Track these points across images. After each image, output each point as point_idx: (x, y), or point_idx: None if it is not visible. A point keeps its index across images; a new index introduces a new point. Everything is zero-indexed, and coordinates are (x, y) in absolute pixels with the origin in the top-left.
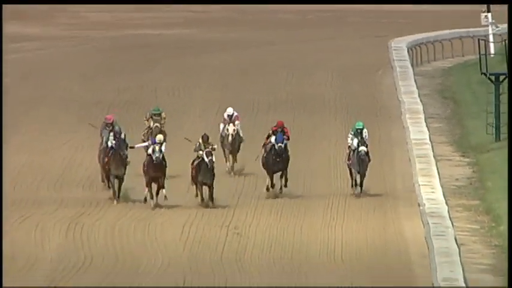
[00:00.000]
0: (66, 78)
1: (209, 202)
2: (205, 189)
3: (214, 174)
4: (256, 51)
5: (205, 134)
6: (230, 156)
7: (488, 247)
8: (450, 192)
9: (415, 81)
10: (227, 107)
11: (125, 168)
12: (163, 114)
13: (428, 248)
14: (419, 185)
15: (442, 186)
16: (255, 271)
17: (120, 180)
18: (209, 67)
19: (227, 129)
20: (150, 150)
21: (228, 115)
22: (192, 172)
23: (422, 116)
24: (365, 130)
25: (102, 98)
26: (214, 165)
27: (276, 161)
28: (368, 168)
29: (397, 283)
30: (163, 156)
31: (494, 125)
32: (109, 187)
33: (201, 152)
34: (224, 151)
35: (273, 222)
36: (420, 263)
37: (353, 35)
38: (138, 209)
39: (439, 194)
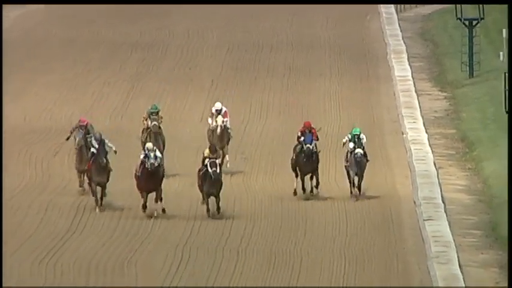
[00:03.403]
0: (94, 21)
1: (215, 212)
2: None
3: (221, 185)
4: None
5: (212, 145)
6: (220, 152)
7: (463, 170)
8: (430, 122)
9: (399, 25)
10: (215, 102)
11: (108, 175)
12: (160, 114)
13: (410, 170)
14: (402, 116)
15: (422, 117)
16: (260, 190)
17: (103, 187)
18: (219, 13)
19: (216, 121)
20: (142, 156)
21: (216, 110)
22: (198, 181)
23: (405, 55)
24: (362, 135)
25: (126, 39)
26: (220, 175)
27: (306, 162)
28: (365, 170)
29: (382, 200)
30: (159, 164)
31: (468, 64)
32: (93, 195)
33: (206, 161)
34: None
35: (277, 148)
36: (403, 183)
37: None
38: None
39: (420, 123)
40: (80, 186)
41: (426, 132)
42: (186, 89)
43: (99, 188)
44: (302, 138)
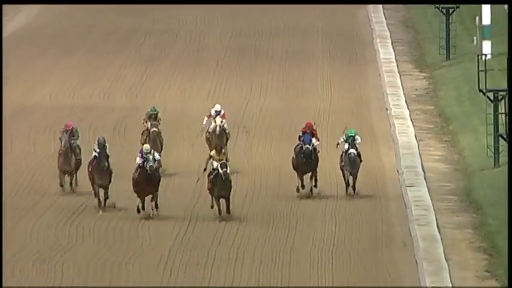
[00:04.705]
0: (109, 11)
1: (226, 214)
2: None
3: (231, 187)
4: None
5: (219, 144)
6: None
7: (440, 142)
8: (411, 99)
9: (383, 13)
10: (215, 104)
11: (110, 177)
12: (159, 115)
13: (393, 142)
14: (387, 94)
15: (404, 95)
16: (259, 160)
17: (105, 189)
18: (224, 4)
19: (214, 121)
20: (140, 161)
21: (216, 111)
22: (208, 185)
23: (389, 40)
24: (357, 137)
25: (140, 27)
26: (230, 176)
27: (305, 162)
28: (359, 169)
29: (369, 169)
30: (156, 168)
31: (445, 48)
32: (95, 196)
33: (215, 163)
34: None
35: (274, 123)
36: (387, 154)
37: None
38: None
39: (402, 101)
40: (61, 185)
41: (408, 108)
42: (194, 70)
43: (101, 191)
44: (302, 139)
